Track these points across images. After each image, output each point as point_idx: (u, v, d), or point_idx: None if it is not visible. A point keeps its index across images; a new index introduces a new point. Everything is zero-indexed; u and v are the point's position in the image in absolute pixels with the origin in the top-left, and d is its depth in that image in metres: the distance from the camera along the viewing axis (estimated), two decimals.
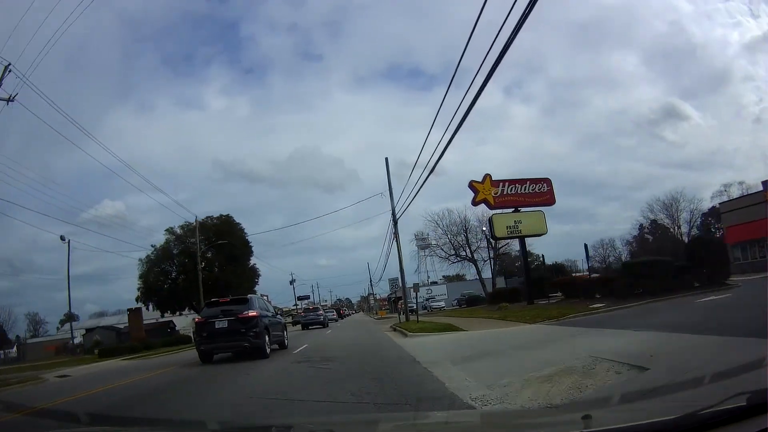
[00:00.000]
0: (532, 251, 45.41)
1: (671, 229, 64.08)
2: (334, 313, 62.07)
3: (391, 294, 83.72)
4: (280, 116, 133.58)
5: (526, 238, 31.59)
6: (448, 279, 74.47)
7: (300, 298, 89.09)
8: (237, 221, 44.23)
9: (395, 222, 30.50)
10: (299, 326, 40.84)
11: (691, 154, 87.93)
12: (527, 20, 8.15)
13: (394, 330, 22.84)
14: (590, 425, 2.30)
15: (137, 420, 6.27)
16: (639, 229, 69.35)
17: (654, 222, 66.86)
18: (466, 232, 55.62)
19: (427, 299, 57.02)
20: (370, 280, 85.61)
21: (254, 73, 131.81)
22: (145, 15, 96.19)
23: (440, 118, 26.06)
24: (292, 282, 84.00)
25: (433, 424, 3.51)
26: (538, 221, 30.87)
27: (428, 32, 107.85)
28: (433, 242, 58.91)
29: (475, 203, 31.30)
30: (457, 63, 11.70)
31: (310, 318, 40.54)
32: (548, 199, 31.48)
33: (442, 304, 55.92)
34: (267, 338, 14.29)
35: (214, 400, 7.90)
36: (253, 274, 45.52)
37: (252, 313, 14.14)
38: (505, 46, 8.97)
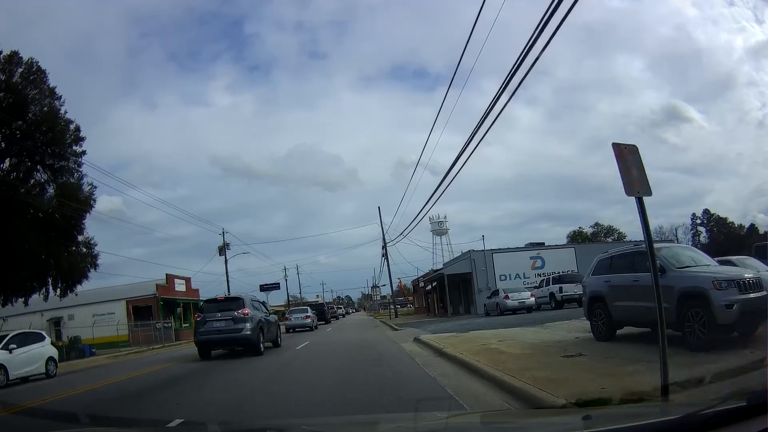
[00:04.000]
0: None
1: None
2: (308, 314, 32.18)
3: (423, 278, 43.84)
4: (284, 114, 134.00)
5: None
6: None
7: (265, 288, 54.94)
8: (42, 68, 20.61)
9: None
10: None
11: (694, 159, 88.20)
12: (529, 23, 7.57)
13: None
14: (590, 425, 2.30)
15: (136, 421, 6.25)
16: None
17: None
18: None
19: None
20: (384, 243, 43.99)
21: (259, 71, 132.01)
22: (150, 10, 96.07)
23: (444, 121, 25.77)
24: (222, 249, 43.94)
25: (433, 424, 3.50)
26: None
27: (435, 33, 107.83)
28: None
29: None
30: (456, 65, 11.37)
31: (211, 329, 14.70)
32: None
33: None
34: None
35: None
36: (81, 201, 20.43)
37: None
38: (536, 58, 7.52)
